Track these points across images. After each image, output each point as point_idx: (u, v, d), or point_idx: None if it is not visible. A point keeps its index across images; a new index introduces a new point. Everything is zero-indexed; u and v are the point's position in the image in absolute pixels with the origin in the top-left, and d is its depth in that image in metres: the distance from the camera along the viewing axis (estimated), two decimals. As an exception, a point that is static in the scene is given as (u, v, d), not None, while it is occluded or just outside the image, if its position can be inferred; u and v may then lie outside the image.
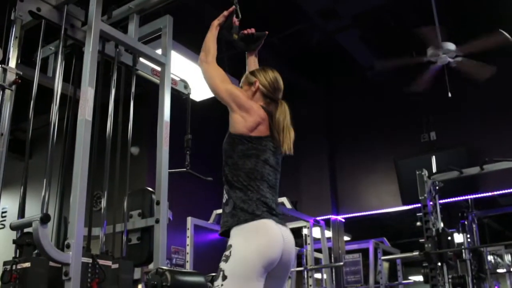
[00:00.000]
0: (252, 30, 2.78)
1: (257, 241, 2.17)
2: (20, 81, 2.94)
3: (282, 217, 2.35)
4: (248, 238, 2.18)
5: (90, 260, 2.84)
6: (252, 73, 2.61)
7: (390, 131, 8.43)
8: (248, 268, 2.13)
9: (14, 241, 3.00)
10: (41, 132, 3.72)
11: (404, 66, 6.53)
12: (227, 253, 2.19)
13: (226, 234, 2.29)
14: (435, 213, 5.67)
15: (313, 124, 8.82)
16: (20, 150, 3.67)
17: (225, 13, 2.75)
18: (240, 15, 2.80)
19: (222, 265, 2.17)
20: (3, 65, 2.93)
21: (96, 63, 2.98)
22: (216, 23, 2.72)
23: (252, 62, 2.87)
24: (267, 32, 2.82)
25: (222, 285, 2.13)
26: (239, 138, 2.38)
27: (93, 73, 2.92)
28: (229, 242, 2.23)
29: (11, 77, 2.91)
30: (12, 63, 3.04)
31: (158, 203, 3.25)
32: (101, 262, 2.88)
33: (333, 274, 7.96)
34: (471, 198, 7.23)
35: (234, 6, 2.77)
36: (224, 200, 2.36)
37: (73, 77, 3.40)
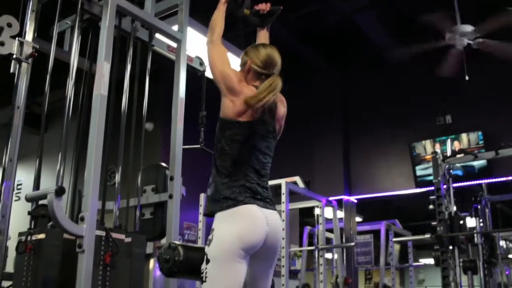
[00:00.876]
0: (268, 6, 2.71)
1: (237, 225, 2.20)
2: (36, 54, 2.96)
3: (270, 201, 2.35)
4: (229, 223, 2.22)
5: (103, 233, 2.88)
6: (246, 52, 2.58)
7: (405, 113, 8.36)
8: (227, 250, 2.17)
9: (29, 213, 3.04)
10: (56, 106, 3.75)
11: (423, 51, 6.46)
12: (210, 237, 2.24)
13: (211, 215, 2.32)
14: (448, 196, 5.65)
15: (328, 104, 8.77)
16: (36, 124, 3.71)
17: None
18: None
19: (206, 249, 2.23)
20: (19, 38, 2.94)
21: (112, 38, 2.98)
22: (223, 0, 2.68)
23: (262, 37, 2.83)
24: (281, 7, 2.75)
25: (206, 268, 2.20)
26: (228, 123, 2.38)
27: (109, 48, 2.93)
28: (212, 226, 2.27)
29: (27, 50, 2.93)
30: (29, 36, 3.05)
31: (172, 178, 3.27)
32: (114, 235, 2.92)
33: (344, 254, 7.99)
34: (484, 183, 7.19)
35: None
36: (209, 182, 2.38)
37: (89, 52, 3.41)
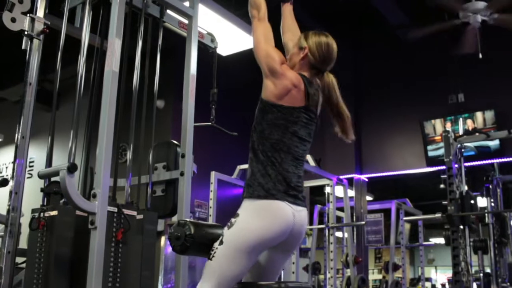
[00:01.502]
0: None
1: (262, 222, 2.17)
2: (48, 30, 2.94)
3: (301, 197, 2.32)
4: (255, 216, 2.19)
5: (115, 210, 2.90)
6: (305, 36, 2.49)
7: (418, 91, 8.30)
8: (244, 243, 2.17)
9: (42, 189, 3.06)
10: (68, 83, 3.75)
11: (437, 29, 6.39)
12: (232, 220, 2.23)
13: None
14: (460, 176, 5.62)
15: (340, 81, 8.68)
16: (48, 101, 3.71)
17: None
18: None
19: (225, 230, 2.23)
20: (31, 15, 2.92)
21: (123, 14, 2.96)
22: None
23: (288, 13, 2.78)
24: None
25: (217, 248, 2.21)
26: (269, 106, 2.32)
27: (120, 24, 2.91)
28: (238, 211, 2.25)
29: (39, 26, 2.91)
30: (40, 12, 3.03)
31: (183, 156, 3.27)
32: (126, 212, 2.94)
33: (354, 233, 8.00)
34: (496, 162, 7.15)
35: None
36: (247, 168, 2.35)
37: (100, 28, 3.39)
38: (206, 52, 4.01)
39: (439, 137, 7.77)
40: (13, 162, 2.74)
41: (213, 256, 2.21)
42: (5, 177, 2.87)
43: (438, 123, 7.98)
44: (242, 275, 2.27)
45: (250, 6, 2.51)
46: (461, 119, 7.57)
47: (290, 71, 2.38)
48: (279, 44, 2.54)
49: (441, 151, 7.71)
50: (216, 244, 2.22)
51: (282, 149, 2.28)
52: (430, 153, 7.98)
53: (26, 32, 2.86)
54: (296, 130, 2.33)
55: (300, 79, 2.37)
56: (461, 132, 7.33)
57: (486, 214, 6.21)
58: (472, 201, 5.46)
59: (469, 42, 6.34)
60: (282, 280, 4.37)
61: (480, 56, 6.30)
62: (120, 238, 2.90)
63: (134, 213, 3.04)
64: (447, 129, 7.50)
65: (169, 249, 3.77)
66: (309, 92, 2.36)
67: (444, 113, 7.95)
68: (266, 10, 2.50)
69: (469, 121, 7.65)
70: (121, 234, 2.90)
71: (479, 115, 7.64)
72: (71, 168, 2.51)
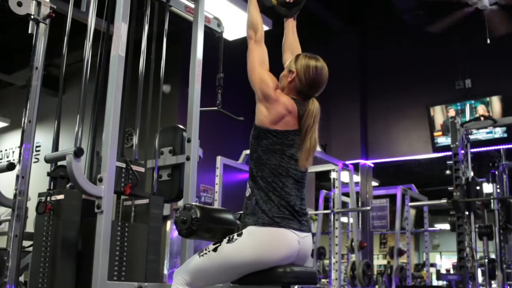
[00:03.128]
0: None
1: (264, 248, 2.18)
2: (54, 15, 2.93)
3: (305, 222, 2.30)
4: (256, 243, 2.19)
5: (124, 165, 2.95)
6: (296, 58, 2.45)
7: (425, 77, 8.26)
8: (235, 263, 2.20)
9: (48, 173, 3.07)
10: (74, 67, 3.74)
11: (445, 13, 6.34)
12: (235, 236, 2.23)
13: (244, 226, 2.29)
14: (466, 162, 5.61)
15: (346, 66, 8.66)
16: (54, 85, 3.71)
17: None
18: None
19: (224, 241, 2.24)
20: (37, -1, 2.91)
21: (129, -2, 2.95)
22: None
23: (290, 28, 2.75)
24: None
25: (209, 251, 2.24)
26: (264, 132, 2.30)
27: (126, 8, 2.90)
28: (243, 231, 2.24)
29: (45, 10, 2.90)
30: (46, -4, 3.02)
31: (189, 140, 3.27)
32: (134, 167, 3.01)
33: (360, 218, 8.02)
34: (503, 148, 7.13)
35: None
36: (247, 194, 2.33)
37: (106, 12, 3.38)
38: (213, 36, 4.00)
39: (441, 123, 7.79)
40: (20, 147, 2.74)
41: (203, 255, 2.25)
42: (12, 161, 2.88)
43: (438, 110, 7.93)
44: (219, 283, 2.32)
45: (247, 26, 2.49)
46: (468, 105, 7.53)
47: (284, 96, 2.36)
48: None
49: (440, 139, 7.73)
50: (211, 246, 2.24)
51: (282, 174, 2.27)
52: (436, 139, 7.96)
53: (32, 17, 2.85)
54: (293, 153, 2.31)
55: (293, 104, 2.35)
56: (468, 118, 7.30)
57: (492, 200, 6.21)
58: (478, 187, 5.47)
59: (473, 28, 6.29)
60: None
61: (488, 41, 6.26)
62: (128, 193, 2.97)
63: (142, 169, 3.12)
64: (450, 116, 7.49)
65: (175, 233, 3.79)
66: (302, 116, 2.34)
67: (450, 99, 7.91)
68: (263, 32, 2.49)
69: (481, 108, 7.58)
70: (129, 189, 2.96)
71: (495, 99, 7.53)
72: (78, 153, 2.52)
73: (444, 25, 6.55)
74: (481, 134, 7.44)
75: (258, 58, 2.41)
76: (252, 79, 2.38)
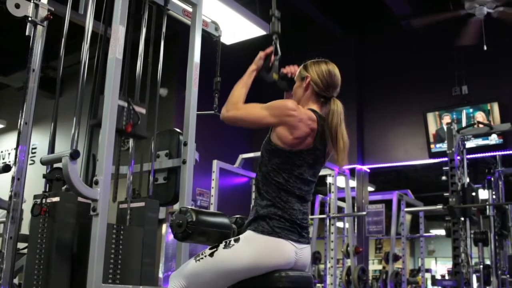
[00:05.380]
0: (296, 68, 2.51)
1: (260, 256, 2.15)
2: (51, 17, 2.94)
3: (305, 234, 2.28)
4: (252, 249, 2.17)
5: (125, 104, 3.00)
6: (305, 66, 2.41)
7: (421, 83, 8.27)
8: (230, 269, 2.17)
9: (44, 176, 3.07)
10: (71, 70, 3.74)
11: (441, 20, 6.37)
12: (232, 242, 2.21)
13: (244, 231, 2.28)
14: (462, 168, 5.63)
15: (343, 71, 8.59)
16: (51, 87, 3.71)
17: (262, 54, 2.51)
18: (279, 52, 2.55)
19: (221, 246, 2.21)
20: (35, 1, 2.91)
21: (127, 1, 2.95)
22: (252, 68, 2.49)
23: None
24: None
25: (206, 256, 2.22)
26: (278, 151, 2.25)
27: (124, 11, 2.90)
28: (241, 236, 2.23)
29: (43, 12, 2.90)
30: (44, -1, 3.02)
31: (185, 144, 3.27)
32: (136, 108, 3.10)
33: (355, 223, 8.02)
34: (499, 155, 7.15)
35: (272, 47, 2.53)
36: (252, 203, 2.32)
37: (104, 15, 3.39)
38: (210, 40, 4.00)
39: (433, 133, 7.82)
40: (16, 148, 2.74)
41: (199, 260, 2.23)
42: (7, 163, 2.87)
43: (431, 119, 7.96)
44: (216, 287, 2.29)
45: (231, 102, 2.37)
46: (464, 111, 7.55)
47: (305, 115, 2.27)
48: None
49: (437, 145, 7.75)
50: (207, 251, 2.23)
51: (287, 191, 2.25)
52: (432, 145, 7.98)
53: (30, 18, 2.85)
54: (301, 173, 2.28)
55: (314, 119, 2.29)
56: (464, 124, 7.32)
57: (487, 206, 6.22)
58: (474, 193, 5.48)
59: (471, 34, 6.32)
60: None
61: (485, 48, 6.28)
62: (129, 132, 3.03)
63: (143, 110, 3.16)
64: (443, 124, 7.53)
65: (170, 236, 3.79)
66: (319, 132, 2.29)
67: (447, 105, 7.93)
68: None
69: (479, 114, 7.59)
70: (130, 127, 3.01)
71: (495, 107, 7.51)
72: (74, 155, 2.52)
73: (428, 21, 6.56)
74: (476, 141, 7.45)
75: (252, 112, 2.33)
76: (266, 122, 2.28)
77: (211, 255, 2.21)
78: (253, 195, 2.32)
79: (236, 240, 2.21)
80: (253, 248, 2.17)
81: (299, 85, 2.42)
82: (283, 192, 2.24)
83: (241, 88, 2.41)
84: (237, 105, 2.34)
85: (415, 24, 6.99)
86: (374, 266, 14.70)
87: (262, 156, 2.33)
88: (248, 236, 2.21)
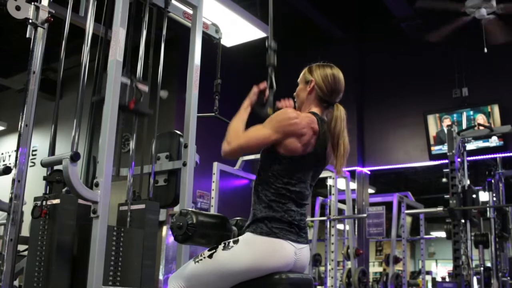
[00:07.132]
0: (290, 103, 2.47)
1: (258, 257, 2.15)
2: (52, 19, 2.94)
3: (304, 234, 2.28)
4: (251, 250, 2.16)
5: (128, 81, 3.02)
6: (309, 69, 2.40)
7: (422, 85, 8.28)
8: (229, 270, 2.17)
9: (44, 178, 3.07)
10: (72, 72, 3.75)
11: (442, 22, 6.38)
12: (231, 243, 2.20)
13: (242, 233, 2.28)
14: (462, 170, 5.63)
15: (344, 73, 8.62)
16: (51, 90, 3.72)
17: (256, 89, 2.46)
18: (275, 86, 2.49)
19: (220, 248, 2.21)
20: (35, 3, 2.92)
21: (128, 3, 2.95)
22: (247, 103, 2.43)
23: None
24: None
25: (205, 258, 2.21)
26: (279, 158, 2.24)
27: (124, 14, 2.90)
28: (240, 238, 2.22)
29: (43, 15, 2.91)
30: (45, 1, 3.02)
31: (186, 146, 3.27)
32: (139, 85, 3.12)
33: (356, 225, 8.02)
34: (499, 157, 7.15)
35: (265, 82, 2.48)
36: (252, 206, 2.31)
37: (104, 18, 3.39)
38: (211, 42, 4.01)
39: (434, 135, 7.82)
40: (16, 150, 2.74)
41: (198, 261, 2.23)
42: (8, 165, 2.87)
43: (432, 121, 7.96)
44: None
45: (228, 138, 2.31)
46: (464, 113, 7.55)
47: (304, 117, 2.27)
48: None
49: (437, 147, 7.75)
50: (206, 253, 2.22)
51: (286, 194, 2.24)
52: (433, 148, 7.98)
53: (30, 21, 2.86)
54: (300, 177, 2.28)
55: (315, 123, 2.28)
56: (464, 126, 7.32)
57: (488, 209, 6.22)
58: (474, 195, 5.48)
59: (470, 37, 6.33)
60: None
61: (486, 50, 6.29)
62: (132, 108, 3.04)
63: (146, 88, 3.16)
64: (444, 126, 7.53)
65: (171, 239, 3.79)
66: (321, 134, 2.28)
67: (447, 107, 7.93)
68: None
69: (480, 116, 7.59)
70: (133, 104, 3.02)
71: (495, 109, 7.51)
72: (74, 157, 2.52)
73: (443, 34, 6.58)
74: (476, 143, 7.45)
75: (253, 137, 2.26)
76: (272, 140, 2.22)
77: (210, 256, 2.21)
78: (252, 198, 2.30)
79: (235, 242, 2.21)
80: (252, 250, 2.17)
81: (303, 88, 2.41)
82: (282, 196, 2.24)
83: (237, 122, 2.34)
84: (237, 134, 2.27)
85: (431, 40, 6.96)
86: (374, 268, 14.70)
87: (261, 161, 2.32)
88: (247, 237, 2.21)
